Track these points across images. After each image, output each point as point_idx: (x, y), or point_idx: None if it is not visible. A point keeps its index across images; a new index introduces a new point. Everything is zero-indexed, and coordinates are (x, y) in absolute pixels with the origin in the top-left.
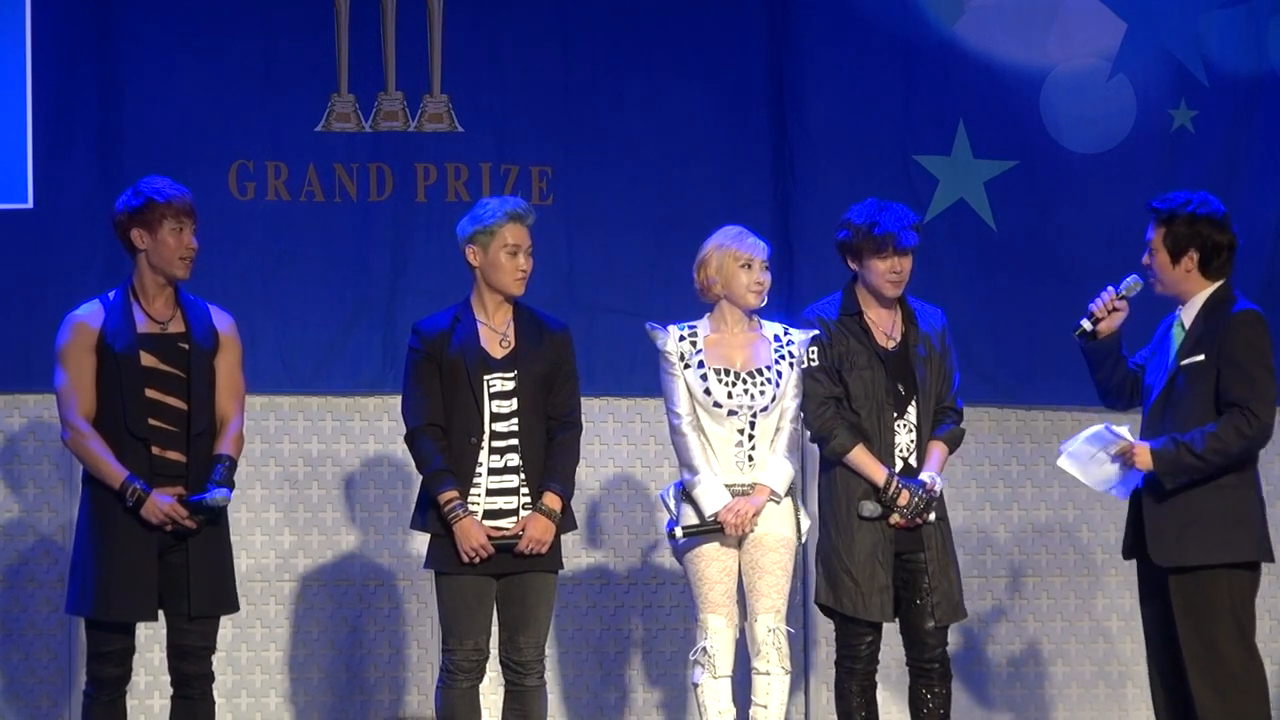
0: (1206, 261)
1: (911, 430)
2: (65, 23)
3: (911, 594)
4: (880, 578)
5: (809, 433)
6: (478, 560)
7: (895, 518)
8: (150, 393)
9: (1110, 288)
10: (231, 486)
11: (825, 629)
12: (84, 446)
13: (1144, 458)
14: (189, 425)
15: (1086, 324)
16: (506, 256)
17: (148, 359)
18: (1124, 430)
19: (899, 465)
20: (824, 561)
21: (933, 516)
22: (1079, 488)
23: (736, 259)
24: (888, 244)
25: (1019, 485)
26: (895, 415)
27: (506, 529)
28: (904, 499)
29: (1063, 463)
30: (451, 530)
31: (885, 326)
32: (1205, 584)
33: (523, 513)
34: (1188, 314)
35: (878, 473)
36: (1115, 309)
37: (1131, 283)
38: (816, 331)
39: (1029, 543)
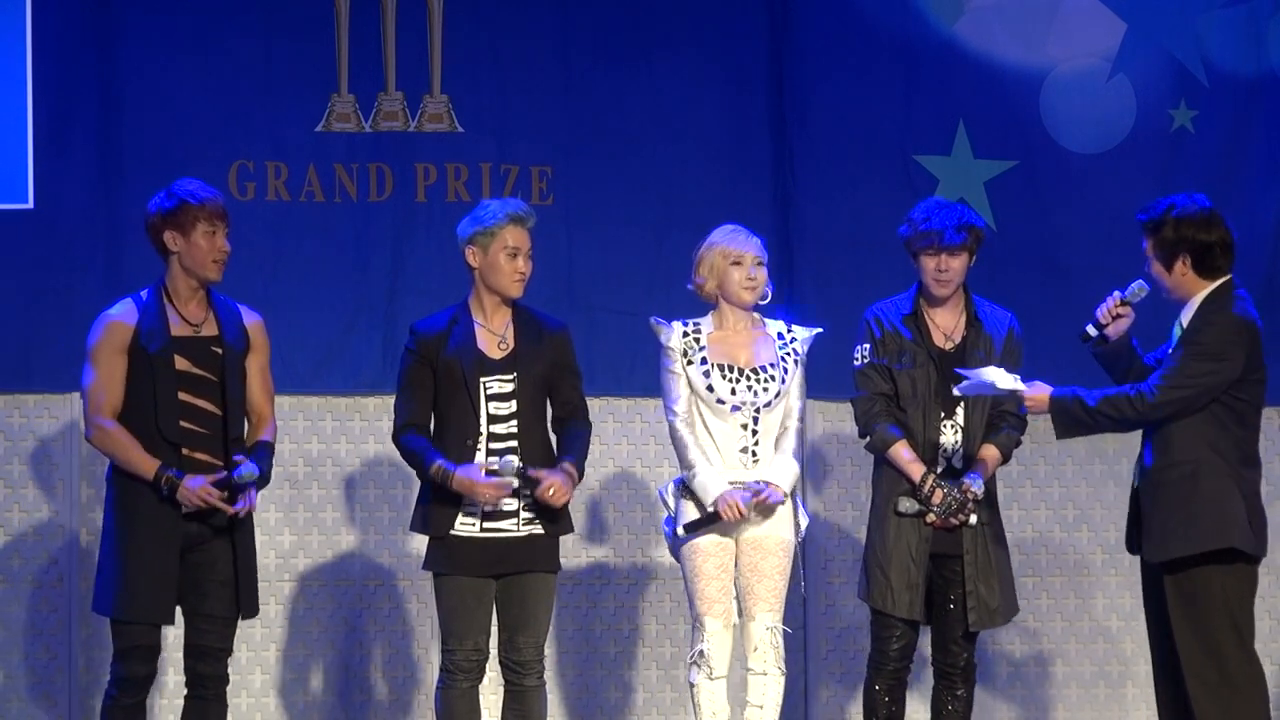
0: (1200, 262)
1: (959, 431)
2: (65, 23)
3: (944, 597)
4: (911, 575)
5: (857, 427)
6: (498, 501)
7: (931, 516)
8: (183, 396)
9: (1116, 293)
10: (266, 468)
11: (825, 630)
12: (114, 441)
13: (1040, 400)
14: (225, 429)
15: (1091, 330)
16: (506, 259)
17: (181, 362)
18: (1013, 381)
19: (942, 466)
20: (866, 555)
21: (974, 519)
22: (1079, 488)
23: (726, 256)
24: (933, 240)
25: (1019, 485)
26: (943, 415)
27: (506, 530)
28: (938, 497)
29: (960, 389)
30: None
31: (946, 327)
32: (1198, 583)
33: (522, 514)
34: (1186, 314)
35: (915, 470)
36: (1119, 315)
37: (1137, 288)
38: (819, 330)
39: (1029, 543)
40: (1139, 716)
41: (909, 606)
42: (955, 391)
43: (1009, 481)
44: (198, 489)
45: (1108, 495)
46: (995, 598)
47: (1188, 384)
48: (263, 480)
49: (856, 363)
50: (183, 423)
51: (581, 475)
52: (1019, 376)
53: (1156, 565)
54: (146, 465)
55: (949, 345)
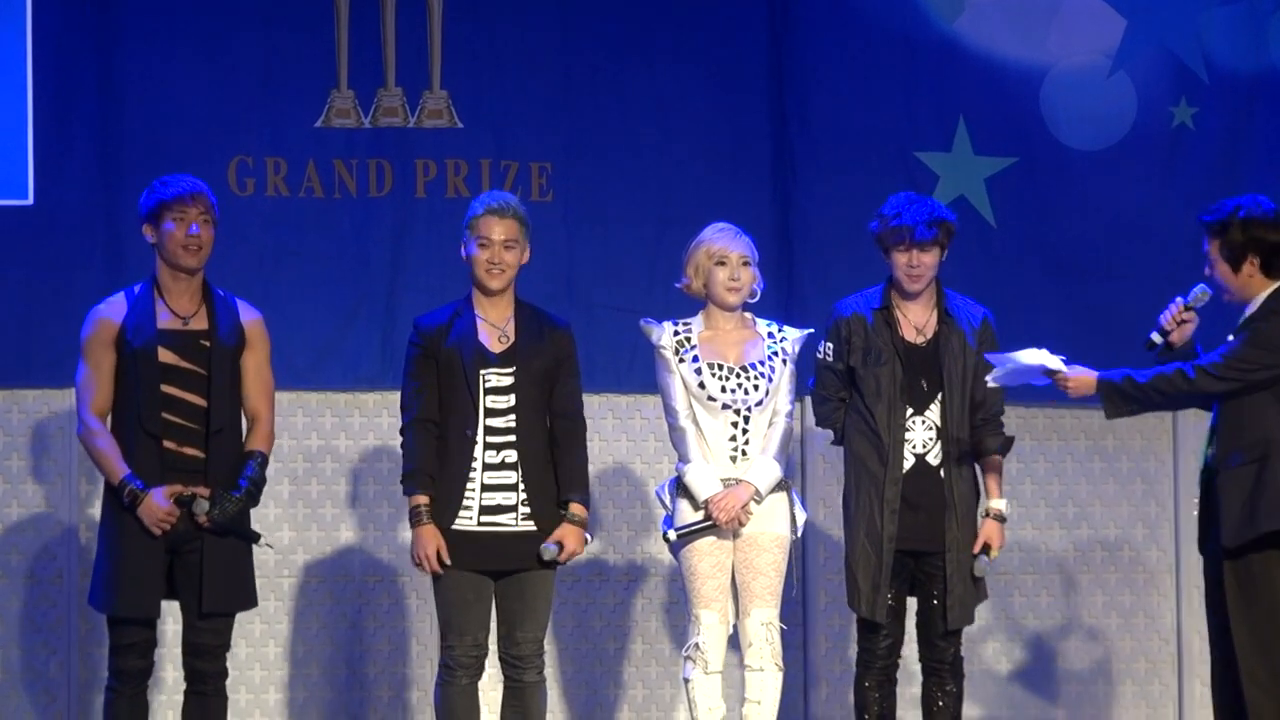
0: (1268, 263)
1: (932, 428)
2: (65, 20)
3: (926, 593)
4: (878, 576)
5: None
6: (426, 569)
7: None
8: (167, 389)
9: (1179, 299)
10: (261, 482)
11: (825, 627)
12: (91, 444)
13: (1086, 382)
14: (208, 422)
15: (1156, 337)
16: (479, 249)
17: (166, 355)
18: (1057, 361)
19: (911, 461)
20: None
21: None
22: (1079, 486)
23: (711, 255)
24: (904, 236)
25: (1019, 484)
26: (912, 412)
27: (504, 525)
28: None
29: (993, 379)
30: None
31: (918, 321)
32: (1256, 570)
33: (521, 510)
34: (1250, 313)
35: None
36: (1184, 320)
37: (1199, 292)
38: (810, 330)
39: (1029, 542)
40: (1138, 715)
41: (873, 608)
42: (989, 381)
43: (1009, 480)
44: (161, 512)
45: (1108, 494)
46: (971, 595)
47: (1240, 369)
48: (246, 499)
49: (819, 356)
50: (165, 414)
51: (588, 501)
52: (1064, 358)
53: (1222, 553)
54: (114, 473)
55: (920, 340)
